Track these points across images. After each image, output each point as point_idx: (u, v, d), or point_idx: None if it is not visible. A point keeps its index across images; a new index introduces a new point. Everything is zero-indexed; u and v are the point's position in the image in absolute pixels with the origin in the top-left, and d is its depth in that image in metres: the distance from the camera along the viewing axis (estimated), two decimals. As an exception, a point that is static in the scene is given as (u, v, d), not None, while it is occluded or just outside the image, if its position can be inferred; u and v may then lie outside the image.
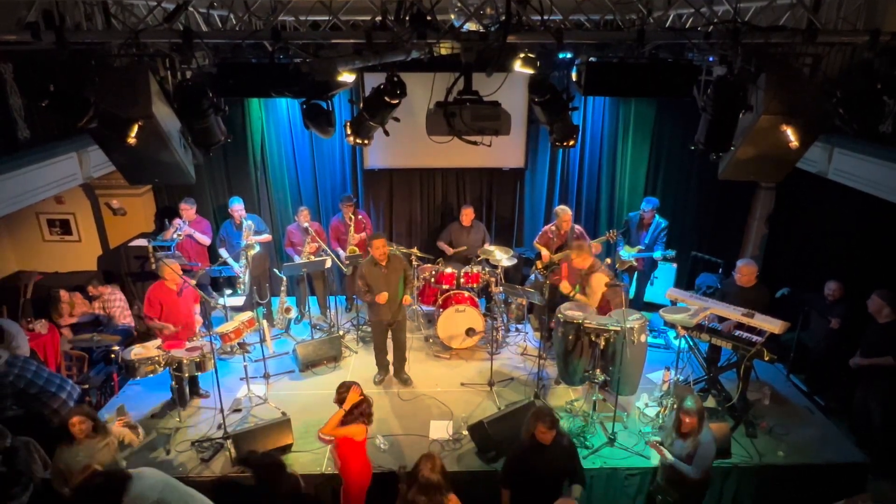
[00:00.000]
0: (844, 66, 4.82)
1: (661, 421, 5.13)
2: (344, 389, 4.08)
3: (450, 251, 7.14)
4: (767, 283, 5.57)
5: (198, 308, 5.84)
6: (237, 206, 6.84)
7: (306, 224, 6.79)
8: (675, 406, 4.24)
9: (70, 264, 7.43)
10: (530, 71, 4.39)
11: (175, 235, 6.76)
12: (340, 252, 7.05)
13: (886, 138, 4.64)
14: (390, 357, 6.01)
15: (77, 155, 5.38)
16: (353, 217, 7.02)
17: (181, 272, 5.58)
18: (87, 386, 5.66)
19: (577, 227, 6.73)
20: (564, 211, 6.59)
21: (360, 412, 4.03)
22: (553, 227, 6.69)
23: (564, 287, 5.89)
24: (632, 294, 7.26)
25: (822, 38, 3.85)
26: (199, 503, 3.43)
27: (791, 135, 3.94)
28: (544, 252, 6.64)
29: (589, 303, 5.57)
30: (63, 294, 6.44)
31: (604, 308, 5.57)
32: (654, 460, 4.55)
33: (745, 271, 5.39)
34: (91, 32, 4.01)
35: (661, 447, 4.16)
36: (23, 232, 7.36)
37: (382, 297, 5.52)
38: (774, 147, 4.11)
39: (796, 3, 4.14)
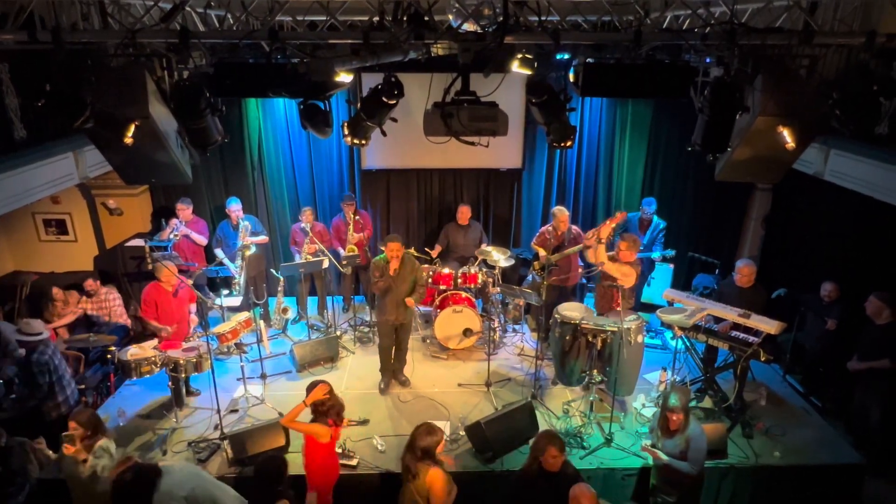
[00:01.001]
0: (841, 67, 4.83)
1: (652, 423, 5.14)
2: (311, 386, 4.05)
3: (436, 254, 7.13)
4: (764, 283, 5.58)
5: (193, 307, 5.83)
6: (234, 207, 6.82)
7: (305, 224, 6.78)
8: (660, 406, 4.24)
9: (66, 264, 7.41)
10: (528, 72, 4.39)
11: (171, 235, 6.74)
12: (342, 252, 7.05)
13: (882, 140, 4.65)
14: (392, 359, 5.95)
15: (73, 155, 5.37)
16: (353, 217, 7.01)
17: (177, 273, 5.57)
18: (83, 386, 5.65)
19: (575, 228, 6.73)
20: (561, 211, 6.59)
21: (322, 411, 3.98)
22: (550, 228, 6.70)
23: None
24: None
25: (818, 40, 3.86)
26: (227, 497, 3.46)
27: (787, 136, 3.95)
28: (541, 253, 6.64)
29: (593, 253, 5.41)
30: (57, 292, 6.41)
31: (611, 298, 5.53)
32: (650, 460, 4.56)
33: (746, 272, 5.40)
34: (87, 32, 3.99)
35: (655, 449, 4.17)
36: (19, 232, 7.34)
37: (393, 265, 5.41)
38: (771, 148, 4.12)
39: (793, 4, 4.16)
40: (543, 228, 6.83)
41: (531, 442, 3.91)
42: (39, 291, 6.71)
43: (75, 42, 3.82)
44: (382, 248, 5.58)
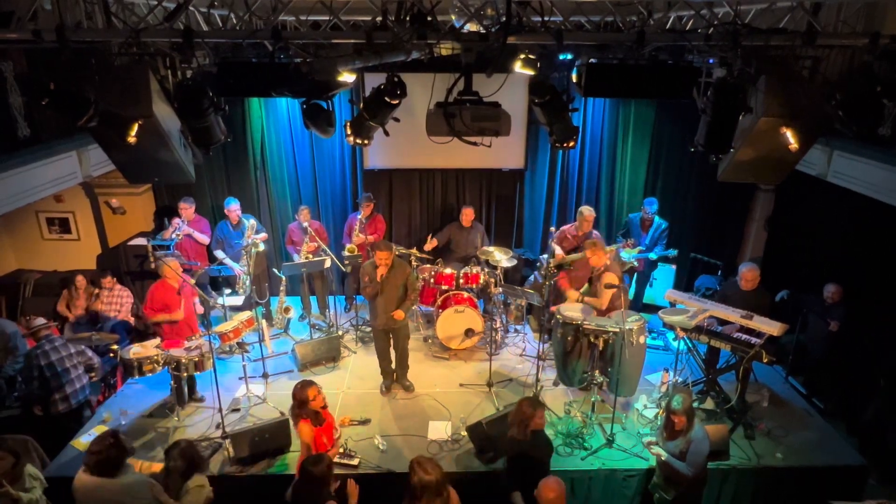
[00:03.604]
0: (844, 68, 4.83)
1: (658, 422, 5.14)
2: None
3: (429, 247, 7.11)
4: (766, 285, 5.56)
5: (197, 300, 5.84)
6: (234, 207, 6.83)
7: (305, 223, 6.79)
8: (665, 406, 4.27)
9: (69, 263, 7.43)
10: (530, 72, 4.40)
11: (174, 235, 6.75)
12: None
13: (885, 141, 4.65)
14: (394, 364, 5.90)
15: (77, 153, 5.38)
16: (365, 219, 7.00)
17: (181, 271, 5.58)
18: (93, 374, 5.63)
19: (595, 233, 6.65)
20: (590, 212, 6.50)
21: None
22: (572, 228, 6.63)
23: (571, 295, 5.82)
24: (631, 295, 7.26)
25: (821, 41, 3.86)
26: None
27: (790, 137, 3.95)
28: (558, 251, 6.58)
29: (598, 304, 5.47)
30: (80, 279, 6.49)
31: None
32: (653, 461, 4.56)
33: (750, 276, 5.37)
34: (92, 31, 4.01)
35: (656, 445, 4.22)
36: (22, 230, 7.37)
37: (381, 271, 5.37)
38: (774, 149, 4.11)
39: (796, 5, 4.16)
40: (566, 227, 6.76)
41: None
42: (43, 290, 6.75)
43: (79, 41, 3.83)
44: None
